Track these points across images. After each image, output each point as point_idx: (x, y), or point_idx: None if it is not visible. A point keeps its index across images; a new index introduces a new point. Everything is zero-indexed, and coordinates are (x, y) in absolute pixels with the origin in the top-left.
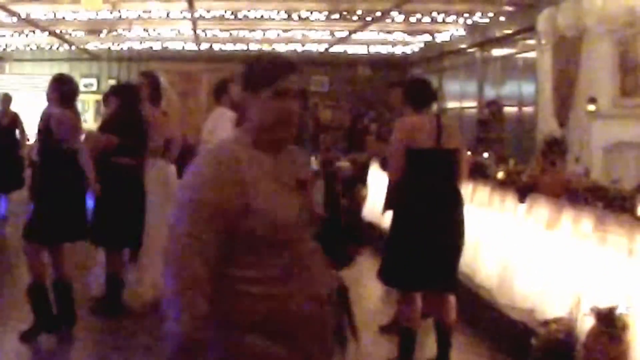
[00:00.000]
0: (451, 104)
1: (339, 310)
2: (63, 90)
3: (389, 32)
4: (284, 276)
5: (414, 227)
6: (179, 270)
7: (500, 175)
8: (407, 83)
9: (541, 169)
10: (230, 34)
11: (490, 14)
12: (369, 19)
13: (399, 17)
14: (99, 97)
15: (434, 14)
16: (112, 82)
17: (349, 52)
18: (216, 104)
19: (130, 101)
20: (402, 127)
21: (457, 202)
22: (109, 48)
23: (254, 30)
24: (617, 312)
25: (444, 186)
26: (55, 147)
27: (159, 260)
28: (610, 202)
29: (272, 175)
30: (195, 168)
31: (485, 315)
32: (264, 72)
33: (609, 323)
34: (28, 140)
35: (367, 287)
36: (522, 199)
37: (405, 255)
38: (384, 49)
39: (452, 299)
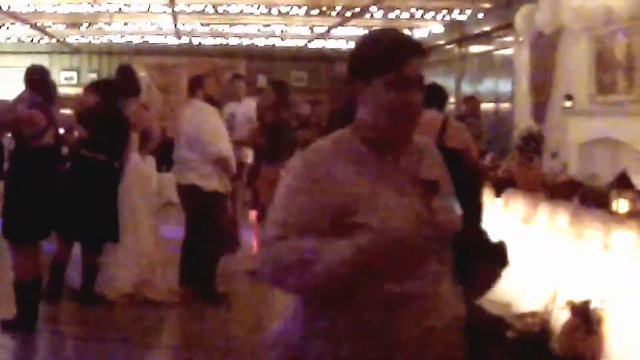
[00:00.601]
0: None
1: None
2: (33, 83)
3: (368, 28)
4: (395, 301)
5: None
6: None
7: None
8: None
9: (518, 164)
10: (211, 28)
11: (469, 11)
12: (348, 14)
13: (378, 13)
14: (80, 90)
15: (413, 10)
16: (93, 75)
17: (328, 47)
18: (190, 97)
19: (109, 97)
20: None
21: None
22: (90, 41)
23: (234, 25)
24: (592, 305)
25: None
26: (24, 146)
27: (134, 254)
28: (586, 197)
29: (383, 179)
30: (287, 171)
31: None
32: (381, 55)
33: (584, 316)
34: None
35: None
36: (498, 194)
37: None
38: None
39: None
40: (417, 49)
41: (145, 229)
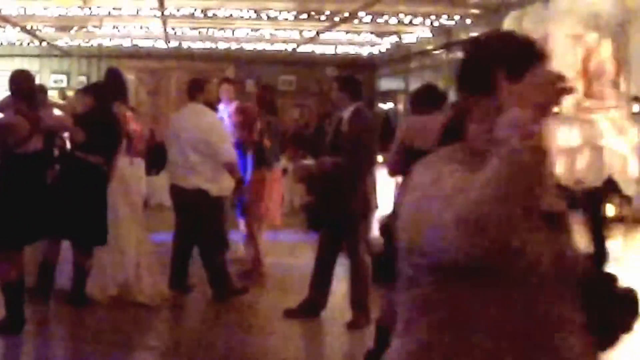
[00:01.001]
0: None
1: None
2: (16, 89)
3: (356, 32)
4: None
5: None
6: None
7: None
8: (413, 92)
9: None
10: (200, 32)
11: (457, 17)
12: (336, 19)
13: (367, 18)
14: (69, 93)
15: (401, 15)
16: (82, 78)
17: (317, 52)
18: (190, 101)
19: (102, 100)
20: (403, 127)
21: None
22: (80, 45)
23: (223, 29)
24: None
25: None
26: (8, 153)
27: (119, 256)
28: (574, 201)
29: None
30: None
31: None
32: (519, 58)
33: None
34: None
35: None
36: None
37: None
38: (351, 50)
39: None
40: (545, 56)
41: (131, 231)
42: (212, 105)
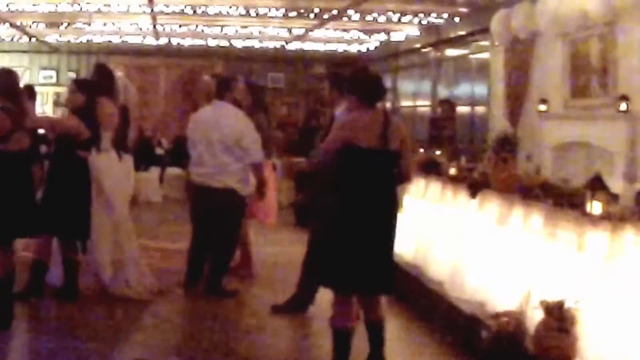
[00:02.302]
0: (405, 103)
1: None
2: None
3: (345, 30)
4: None
5: (347, 229)
6: None
7: (453, 171)
8: (353, 75)
9: (493, 166)
10: (189, 29)
11: (445, 15)
12: (325, 17)
13: (356, 16)
14: (58, 89)
15: (390, 13)
16: (72, 74)
17: (306, 49)
18: (218, 99)
19: (91, 96)
20: (346, 123)
21: (392, 206)
22: (69, 41)
23: (212, 26)
24: (566, 305)
25: (381, 188)
26: None
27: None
28: (560, 198)
29: None
30: None
31: (436, 308)
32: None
33: (558, 316)
34: None
35: None
36: (473, 195)
37: (338, 257)
38: (340, 47)
39: (379, 298)
40: None
41: (117, 226)
42: (239, 104)
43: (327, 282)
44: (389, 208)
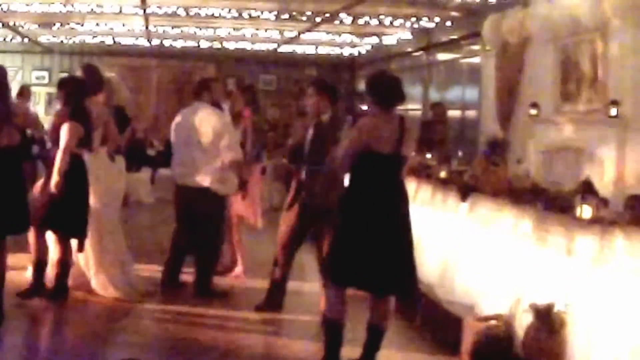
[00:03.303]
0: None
1: None
2: None
3: (337, 33)
4: None
5: (362, 230)
6: None
7: (443, 174)
8: (372, 77)
9: (483, 169)
10: (182, 30)
11: (437, 19)
12: (317, 20)
13: (348, 19)
14: (51, 89)
15: (382, 17)
16: (64, 75)
17: (298, 52)
18: (196, 99)
19: (77, 95)
20: (363, 128)
21: (406, 207)
22: (62, 41)
23: (204, 28)
24: (555, 309)
25: (397, 191)
26: None
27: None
28: (550, 202)
29: None
30: None
31: (425, 310)
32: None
33: (547, 320)
34: None
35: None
36: (463, 198)
37: (352, 254)
38: (332, 50)
39: (389, 304)
40: None
41: (106, 227)
42: (218, 105)
43: (332, 274)
44: (404, 210)
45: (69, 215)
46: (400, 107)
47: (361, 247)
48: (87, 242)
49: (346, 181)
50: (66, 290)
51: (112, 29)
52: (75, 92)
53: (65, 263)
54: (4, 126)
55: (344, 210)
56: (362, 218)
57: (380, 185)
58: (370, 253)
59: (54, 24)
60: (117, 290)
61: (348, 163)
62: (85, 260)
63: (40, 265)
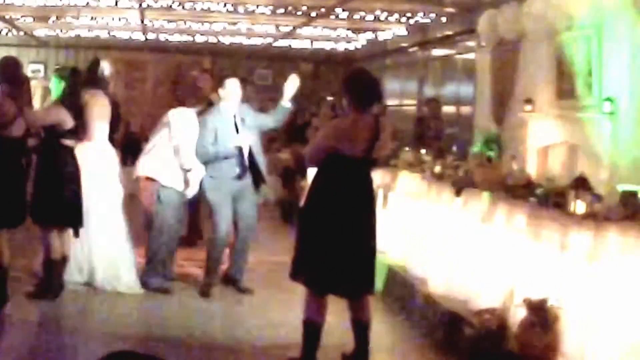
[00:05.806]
0: (391, 102)
1: None
2: (7, 74)
3: (332, 28)
4: None
5: (330, 233)
6: None
7: (437, 169)
8: (348, 75)
9: (478, 164)
10: (177, 25)
11: (432, 15)
12: (313, 14)
13: (343, 14)
14: (47, 83)
15: (377, 12)
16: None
17: (293, 47)
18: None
19: (73, 85)
20: (334, 131)
21: (371, 210)
22: (57, 35)
23: (200, 22)
24: (549, 303)
25: (362, 194)
26: None
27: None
28: (544, 198)
29: None
30: None
31: (419, 305)
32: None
33: (541, 314)
34: None
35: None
36: (458, 193)
37: (321, 259)
38: (327, 45)
39: (368, 298)
40: None
41: (101, 220)
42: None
43: (308, 282)
44: (369, 212)
45: (62, 204)
46: (395, 103)
47: (329, 252)
48: (88, 236)
49: (309, 178)
50: (62, 284)
51: (107, 23)
52: (72, 83)
53: (63, 258)
54: (17, 118)
55: (309, 214)
56: (327, 222)
57: (346, 188)
58: (338, 259)
59: (50, 18)
60: (119, 283)
61: (318, 158)
62: (85, 253)
63: (50, 263)
